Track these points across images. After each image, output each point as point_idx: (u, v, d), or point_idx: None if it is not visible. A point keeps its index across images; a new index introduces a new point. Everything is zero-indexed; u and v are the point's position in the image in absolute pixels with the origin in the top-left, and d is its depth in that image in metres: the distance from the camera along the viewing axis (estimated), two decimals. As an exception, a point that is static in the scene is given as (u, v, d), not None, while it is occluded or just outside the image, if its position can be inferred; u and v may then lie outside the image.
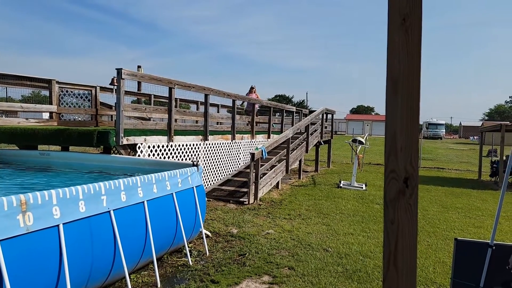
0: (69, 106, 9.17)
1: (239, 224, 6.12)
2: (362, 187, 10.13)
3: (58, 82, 8.62)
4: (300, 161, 11.71)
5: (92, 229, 3.18)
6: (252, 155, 7.72)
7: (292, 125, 14.06)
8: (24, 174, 5.71)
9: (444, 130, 60.93)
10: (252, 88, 14.03)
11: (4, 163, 6.61)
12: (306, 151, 12.19)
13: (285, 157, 10.04)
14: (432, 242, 5.61)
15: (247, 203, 7.67)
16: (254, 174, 7.81)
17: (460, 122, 76.14)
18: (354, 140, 11.57)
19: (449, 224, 6.73)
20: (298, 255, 4.84)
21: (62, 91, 8.92)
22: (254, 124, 11.46)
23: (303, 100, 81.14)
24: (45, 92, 8.87)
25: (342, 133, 60.91)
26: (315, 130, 13.68)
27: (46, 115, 9.43)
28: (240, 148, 10.63)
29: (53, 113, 8.60)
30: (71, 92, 9.22)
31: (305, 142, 12.12)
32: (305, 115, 15.79)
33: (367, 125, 66.59)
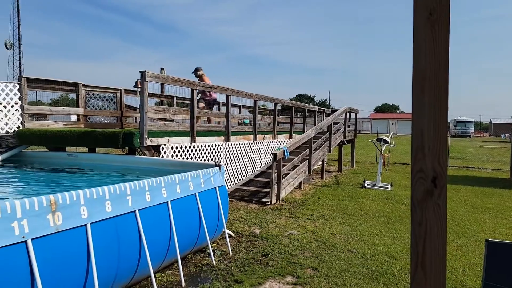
0: (95, 109, 9.40)
1: (261, 225, 6.12)
2: (387, 187, 9.94)
3: (84, 86, 8.85)
4: (323, 161, 11.60)
5: (118, 229, 3.24)
6: (274, 155, 7.70)
7: (315, 124, 13.93)
8: (53, 175, 5.89)
9: (473, 128, 59.17)
10: (195, 74, 10.21)
11: (34, 164, 6.84)
12: (329, 150, 12.06)
13: (307, 157, 9.97)
14: (461, 244, 5.44)
15: (269, 203, 7.65)
16: (276, 174, 7.79)
17: (490, 120, 73.74)
18: (379, 139, 11.36)
19: (480, 225, 6.51)
20: (322, 256, 4.79)
21: (88, 94, 9.15)
22: (276, 124, 11.44)
23: (325, 100, 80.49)
24: (73, 95, 9.12)
25: (366, 132, 60.10)
26: (338, 130, 13.53)
27: (73, 118, 9.71)
28: (262, 148, 10.63)
29: (80, 116, 8.83)
30: (97, 95, 9.46)
31: (327, 142, 12.00)
32: (328, 115, 15.63)
33: (392, 123, 65.42)
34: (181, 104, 12.36)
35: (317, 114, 15.56)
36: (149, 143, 6.27)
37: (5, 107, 7.30)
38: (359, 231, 5.91)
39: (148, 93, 6.47)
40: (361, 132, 54.92)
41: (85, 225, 2.91)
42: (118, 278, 3.30)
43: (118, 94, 9.72)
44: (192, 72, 10.33)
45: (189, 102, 7.95)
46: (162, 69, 11.72)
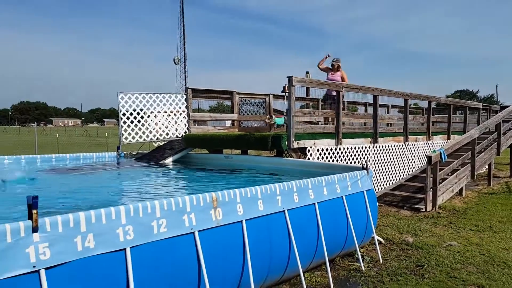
0: (247, 114, 10.17)
1: (415, 233, 5.66)
2: None
3: (238, 93, 9.67)
4: (489, 165, 10.10)
5: (269, 226, 3.42)
6: (429, 158, 7.04)
7: (478, 124, 12.25)
8: (213, 175, 6.58)
9: None
10: (333, 65, 9.07)
11: (198, 165, 7.77)
12: (498, 153, 10.43)
13: (469, 161, 8.81)
14: None
15: (423, 210, 7.02)
16: (431, 179, 7.11)
17: None
18: None
19: None
20: (490, 273, 4.16)
21: (241, 101, 9.97)
22: (431, 124, 10.45)
23: (492, 95, 70.18)
24: (227, 102, 10.07)
25: (547, 131, 49.93)
26: (509, 129, 11.58)
27: (228, 123, 10.70)
28: (414, 150, 9.84)
29: (234, 121, 9.67)
30: (248, 101, 10.22)
31: (495, 143, 10.39)
32: (495, 112, 13.55)
33: None
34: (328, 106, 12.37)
35: (481, 111, 13.68)
36: (296, 146, 6.46)
37: (175, 115, 8.52)
38: (540, 249, 4.94)
39: (295, 97, 6.67)
40: (540, 131, 45.81)
41: (241, 221, 3.16)
42: (270, 274, 3.48)
43: (267, 99, 10.30)
44: (332, 61, 9.22)
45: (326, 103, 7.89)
46: (307, 73, 11.93)
